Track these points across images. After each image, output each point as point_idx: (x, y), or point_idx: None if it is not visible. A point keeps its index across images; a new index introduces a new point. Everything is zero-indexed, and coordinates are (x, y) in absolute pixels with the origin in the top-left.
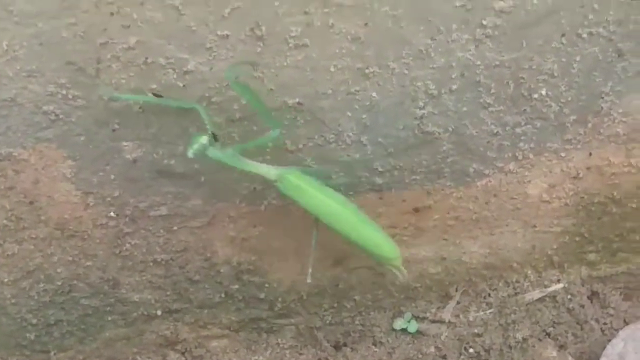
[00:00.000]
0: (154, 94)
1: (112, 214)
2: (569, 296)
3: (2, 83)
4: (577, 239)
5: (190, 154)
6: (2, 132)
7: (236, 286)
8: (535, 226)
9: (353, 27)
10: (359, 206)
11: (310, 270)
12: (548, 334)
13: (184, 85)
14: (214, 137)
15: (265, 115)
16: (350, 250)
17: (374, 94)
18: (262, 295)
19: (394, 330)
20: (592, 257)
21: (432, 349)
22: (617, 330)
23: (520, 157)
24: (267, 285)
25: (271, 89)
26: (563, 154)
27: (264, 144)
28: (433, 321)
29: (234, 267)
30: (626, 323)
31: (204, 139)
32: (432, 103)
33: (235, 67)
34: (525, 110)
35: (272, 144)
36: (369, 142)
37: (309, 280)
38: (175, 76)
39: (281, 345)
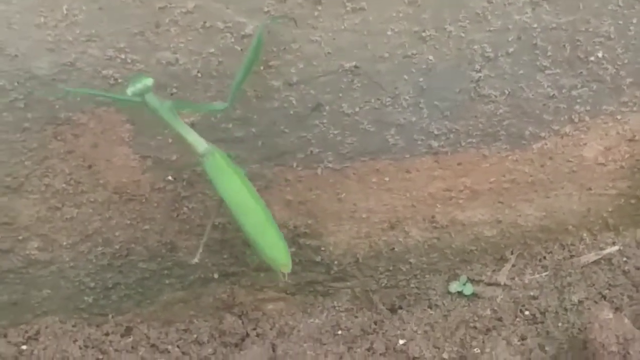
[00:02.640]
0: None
1: (169, 177)
2: (624, 259)
3: (61, 47)
4: (633, 201)
5: (129, 92)
6: (62, 96)
7: (292, 249)
8: (590, 189)
9: None
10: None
11: (200, 250)
12: (604, 297)
13: (241, 49)
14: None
15: (237, 86)
16: (405, 214)
17: (430, 57)
18: (318, 259)
19: (449, 293)
20: None
21: (488, 312)
22: None
23: (576, 120)
24: (323, 248)
25: (328, 53)
26: (619, 117)
27: (204, 110)
28: (488, 284)
29: (291, 230)
30: None
31: (149, 81)
32: (488, 66)
33: (275, 20)
34: (581, 72)
35: (211, 114)
36: (426, 105)
37: (195, 260)
38: (233, 40)
39: (337, 308)
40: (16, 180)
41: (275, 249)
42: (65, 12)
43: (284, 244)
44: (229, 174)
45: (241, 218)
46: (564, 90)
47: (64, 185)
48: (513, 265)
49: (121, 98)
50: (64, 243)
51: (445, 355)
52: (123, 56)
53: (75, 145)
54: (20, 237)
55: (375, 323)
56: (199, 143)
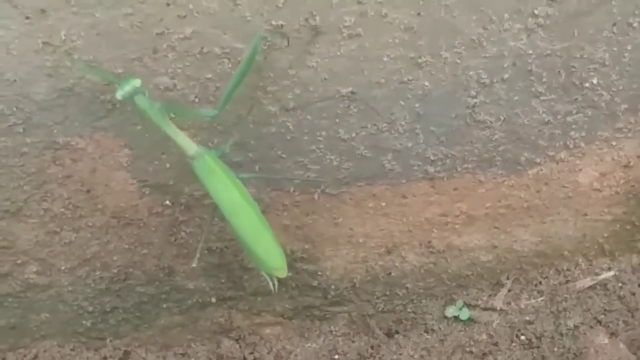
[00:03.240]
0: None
1: (167, 202)
2: (619, 284)
3: (60, 73)
4: (628, 227)
5: (119, 95)
6: (60, 121)
7: (290, 274)
8: (586, 214)
9: (406, 16)
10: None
11: (198, 255)
12: (599, 322)
13: (244, 78)
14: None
15: (228, 95)
16: (402, 239)
17: (426, 83)
18: (315, 283)
19: (445, 317)
20: None
21: (484, 336)
22: None
23: (571, 146)
24: (320, 273)
25: (325, 78)
26: (614, 143)
27: (194, 116)
28: (485, 309)
29: (288, 255)
30: None
31: (137, 83)
32: (484, 92)
33: (268, 33)
34: (576, 99)
35: (200, 122)
36: (421, 131)
37: (194, 265)
38: (230, 65)
39: (334, 333)
40: (15, 204)
41: (270, 253)
42: (63, 37)
43: (279, 248)
44: (219, 175)
45: (233, 220)
46: (559, 116)
47: (62, 209)
48: (509, 290)
49: (118, 98)
50: (63, 267)
51: None
52: None
53: (73, 170)
54: (18, 261)
55: (372, 347)
56: (189, 145)
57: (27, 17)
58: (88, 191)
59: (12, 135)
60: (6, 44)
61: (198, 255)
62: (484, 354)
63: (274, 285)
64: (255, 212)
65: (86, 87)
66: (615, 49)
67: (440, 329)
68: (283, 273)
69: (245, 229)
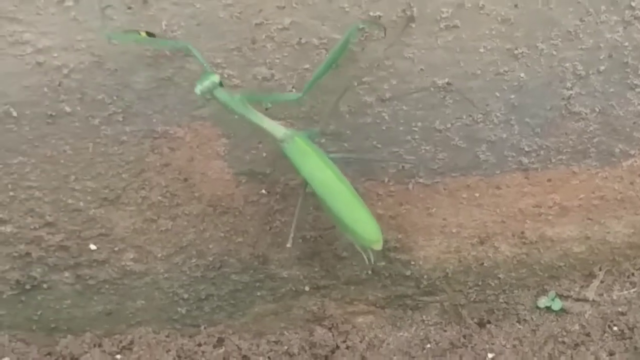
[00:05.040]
0: (147, 33)
1: (263, 191)
2: None
3: (159, 62)
4: None
5: (198, 90)
6: (159, 110)
7: (383, 263)
8: None
9: (503, 8)
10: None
11: (292, 235)
12: None
13: (335, 66)
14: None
15: (315, 79)
16: (495, 229)
17: (522, 75)
18: (408, 273)
19: (537, 308)
20: None
21: (577, 327)
22: None
23: None
24: (413, 262)
25: (421, 69)
26: None
27: (278, 101)
28: (577, 300)
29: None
30: None
31: (216, 78)
32: (579, 84)
33: (365, 23)
34: None
35: (286, 104)
36: (517, 122)
37: (289, 245)
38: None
39: (426, 322)
40: (113, 192)
41: (366, 226)
42: (164, 27)
43: (374, 221)
44: (311, 156)
45: (328, 199)
46: None
47: (159, 197)
48: (601, 282)
49: (197, 93)
50: (159, 255)
51: None
52: (220, 71)
53: (171, 159)
54: (116, 249)
55: (464, 337)
56: (277, 129)
57: (129, 7)
58: (185, 180)
59: (112, 124)
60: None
61: (292, 235)
62: (576, 345)
63: (369, 259)
64: (348, 188)
65: (185, 77)
66: None
67: (532, 319)
68: (379, 245)
69: (341, 206)
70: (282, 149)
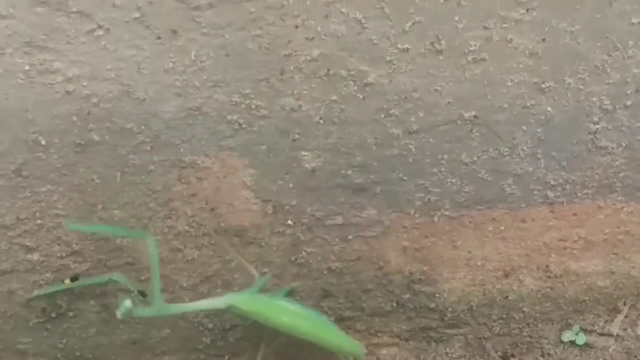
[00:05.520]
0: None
1: (289, 222)
2: None
3: (188, 92)
4: None
5: (119, 316)
6: (187, 140)
7: (407, 295)
8: None
9: (531, 42)
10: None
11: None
12: None
13: (363, 97)
14: (142, 294)
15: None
16: (519, 262)
17: (549, 109)
18: (432, 305)
19: (562, 342)
20: None
21: None
22: None
23: None
24: (437, 295)
25: (449, 102)
26: None
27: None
28: (601, 334)
29: (406, 276)
30: None
31: (128, 303)
32: (606, 118)
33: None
34: None
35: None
36: (543, 156)
37: None
38: (355, 88)
39: (450, 355)
40: (140, 221)
41: (343, 348)
42: (193, 57)
43: (348, 341)
44: (259, 313)
45: (298, 335)
46: None
47: (186, 227)
48: (626, 316)
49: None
50: (184, 284)
51: None
52: (248, 102)
53: (198, 189)
54: (142, 277)
55: None
56: (216, 304)
57: (159, 37)
58: (212, 209)
59: (140, 153)
60: (137, 63)
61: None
62: None
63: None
64: (311, 321)
65: (213, 107)
66: None
67: (556, 353)
68: (362, 357)
69: (312, 337)
70: (233, 315)
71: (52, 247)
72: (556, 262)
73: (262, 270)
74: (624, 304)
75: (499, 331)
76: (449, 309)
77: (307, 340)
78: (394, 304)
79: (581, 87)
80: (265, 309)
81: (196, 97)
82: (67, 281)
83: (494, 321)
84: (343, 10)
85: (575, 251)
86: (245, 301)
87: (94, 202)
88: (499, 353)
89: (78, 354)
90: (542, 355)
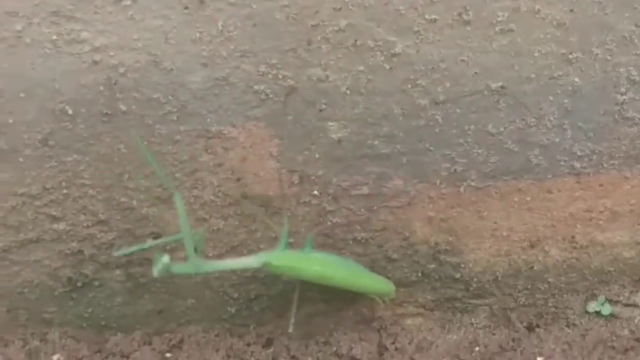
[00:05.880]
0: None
1: (315, 192)
2: None
3: (215, 62)
4: None
5: (155, 273)
6: (214, 110)
7: (433, 266)
8: None
9: (558, 12)
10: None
11: (292, 320)
12: None
13: (390, 68)
14: (195, 250)
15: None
16: (545, 233)
17: (576, 79)
18: (457, 276)
19: (587, 312)
20: None
21: (626, 332)
22: None
23: None
24: (462, 265)
25: (476, 72)
26: None
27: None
28: (626, 305)
29: (432, 247)
30: None
31: (165, 259)
32: (633, 89)
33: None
34: None
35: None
36: (569, 127)
37: (290, 330)
38: (382, 58)
39: (475, 325)
40: (166, 191)
41: (377, 288)
42: (220, 28)
43: (380, 281)
44: (293, 268)
45: (333, 285)
46: None
47: (212, 197)
48: None
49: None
50: (210, 254)
51: None
52: (275, 72)
53: (224, 159)
54: (167, 247)
55: (513, 340)
56: (250, 263)
57: (186, 7)
58: (238, 179)
59: (167, 123)
60: (165, 33)
61: (293, 320)
62: (626, 350)
63: (386, 302)
64: (344, 268)
65: (240, 77)
66: None
67: (581, 323)
68: (393, 294)
69: (346, 286)
70: (266, 272)
71: (78, 216)
72: (582, 233)
73: (288, 240)
74: None
75: (524, 302)
76: (475, 280)
77: (341, 287)
78: (420, 275)
79: (609, 57)
80: (298, 262)
81: (223, 67)
82: (150, 240)
83: (519, 292)
84: None
85: (601, 222)
86: (278, 257)
87: (120, 172)
88: (524, 323)
89: (103, 323)
90: (567, 326)
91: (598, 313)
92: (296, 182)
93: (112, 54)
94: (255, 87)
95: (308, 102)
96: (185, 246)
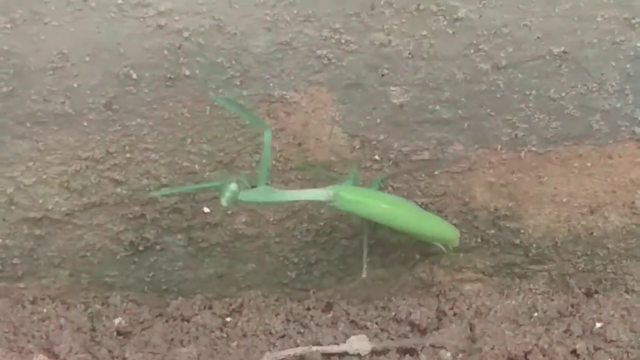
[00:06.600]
0: None
1: (376, 157)
2: None
3: (279, 27)
4: None
5: (224, 203)
6: (276, 75)
7: (492, 231)
8: None
9: None
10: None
11: (365, 265)
12: None
13: (453, 32)
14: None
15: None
16: (605, 199)
17: (638, 44)
18: (517, 241)
19: None
20: None
21: None
22: None
23: None
24: (522, 231)
25: (538, 37)
26: None
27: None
28: None
29: (491, 212)
30: None
31: (233, 186)
32: None
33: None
34: None
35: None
36: (631, 92)
37: (364, 275)
38: (445, 23)
39: (533, 291)
40: (228, 155)
41: (441, 234)
42: None
43: (446, 226)
44: (361, 203)
45: (397, 227)
46: None
47: (273, 161)
48: None
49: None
50: (271, 219)
51: None
52: (337, 36)
53: (286, 123)
54: (229, 212)
55: (572, 306)
56: (318, 195)
57: None
58: (299, 144)
59: (230, 88)
60: None
61: (365, 266)
62: None
63: (449, 251)
64: (410, 209)
65: (303, 42)
66: None
67: None
68: (457, 241)
69: (411, 228)
70: (334, 207)
71: (141, 180)
72: None
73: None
74: None
75: (583, 267)
76: (534, 245)
77: (406, 230)
78: (479, 240)
79: None
80: (366, 197)
81: (286, 31)
82: (191, 185)
83: (578, 257)
84: None
85: None
86: (348, 190)
87: (183, 137)
88: (583, 289)
89: (164, 287)
90: (627, 292)
91: None
92: (357, 147)
93: (176, 18)
94: (318, 52)
95: (370, 67)
96: (260, 174)
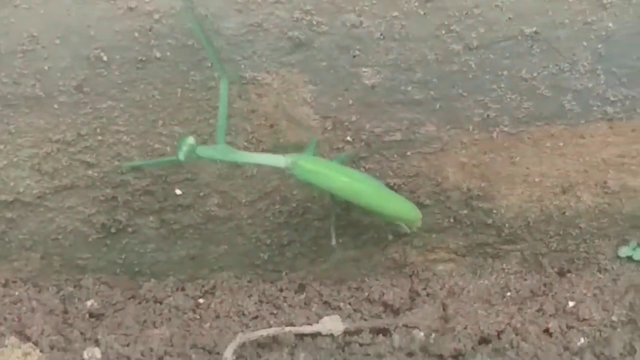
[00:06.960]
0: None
1: (348, 138)
2: None
3: (250, 9)
4: None
5: (180, 157)
6: (248, 57)
7: (465, 211)
8: None
9: None
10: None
11: (333, 234)
12: None
13: (424, 13)
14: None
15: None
16: (577, 179)
17: (610, 24)
18: (489, 221)
19: (618, 257)
20: None
21: None
22: None
23: None
24: (494, 211)
25: (509, 18)
26: None
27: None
28: None
29: (464, 192)
30: None
31: (191, 140)
32: None
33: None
34: None
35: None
36: (603, 72)
37: (333, 243)
38: (416, 4)
39: (506, 271)
40: (200, 137)
41: (403, 213)
42: None
43: (407, 205)
44: (321, 174)
45: (357, 202)
46: None
47: (245, 143)
48: None
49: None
50: (243, 200)
51: (614, 318)
52: (309, 18)
53: (258, 105)
54: (201, 194)
55: (545, 285)
56: (277, 160)
57: None
58: (271, 126)
59: (201, 69)
60: None
61: (334, 234)
62: None
63: (411, 229)
64: (372, 185)
65: (275, 23)
66: None
67: (613, 268)
68: (419, 222)
69: (372, 205)
70: (290, 175)
71: (113, 162)
72: (614, 179)
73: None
74: None
75: (555, 247)
76: (506, 225)
77: (367, 207)
78: (451, 220)
79: None
80: (326, 169)
81: (258, 13)
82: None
83: (551, 237)
84: None
85: (633, 167)
86: (307, 160)
87: (154, 119)
88: (556, 269)
89: (137, 269)
90: (599, 271)
91: (630, 258)
92: (329, 128)
93: (147, 0)
94: (290, 34)
95: (342, 48)
96: (217, 131)
